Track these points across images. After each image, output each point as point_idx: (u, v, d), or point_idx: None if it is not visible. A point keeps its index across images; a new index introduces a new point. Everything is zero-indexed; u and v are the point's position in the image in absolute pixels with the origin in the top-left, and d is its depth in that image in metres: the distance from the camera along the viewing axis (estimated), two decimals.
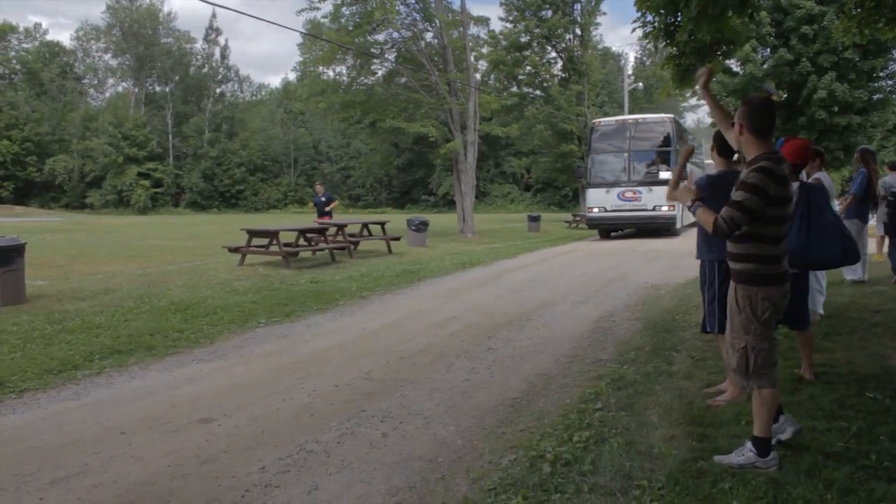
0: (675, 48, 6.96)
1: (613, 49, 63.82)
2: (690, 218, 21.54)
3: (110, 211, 56.99)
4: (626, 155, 20.17)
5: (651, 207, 19.53)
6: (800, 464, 3.17)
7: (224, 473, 3.48)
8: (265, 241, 13.15)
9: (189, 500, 3.19)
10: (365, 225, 16.28)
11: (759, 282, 3.15)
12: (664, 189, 17.13)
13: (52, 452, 3.83)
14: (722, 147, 4.27)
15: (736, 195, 3.07)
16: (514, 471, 3.33)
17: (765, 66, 27.25)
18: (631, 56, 72.85)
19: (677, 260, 13.11)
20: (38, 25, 75.67)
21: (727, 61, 27.82)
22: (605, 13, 77.53)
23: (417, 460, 3.58)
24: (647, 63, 62.77)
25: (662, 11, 6.78)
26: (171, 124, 63.37)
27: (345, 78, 23.72)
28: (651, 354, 5.59)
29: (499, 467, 3.41)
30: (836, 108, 26.62)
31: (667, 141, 19.83)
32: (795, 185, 4.37)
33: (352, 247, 14.74)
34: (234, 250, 13.28)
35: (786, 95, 27.36)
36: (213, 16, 69.36)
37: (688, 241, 17.73)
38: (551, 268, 12.62)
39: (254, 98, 75.82)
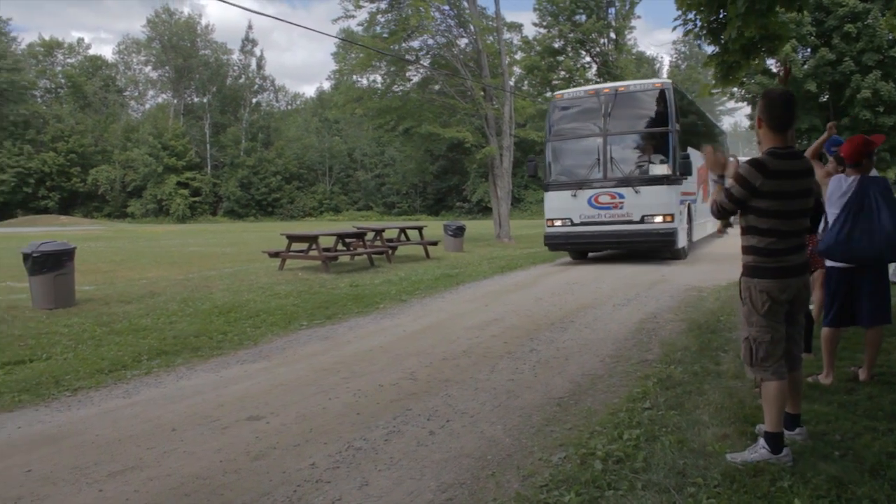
0: (718, 46, 6.88)
1: (648, 53, 63.18)
2: (702, 232, 18.21)
3: (150, 220, 58.29)
4: (600, 141, 13.47)
5: (638, 218, 13.05)
6: (862, 463, 3.08)
7: (275, 469, 3.52)
8: (304, 246, 13.29)
9: (242, 494, 3.22)
10: (403, 230, 16.35)
11: (757, 274, 3.25)
12: (658, 189, 12.92)
13: (108, 447, 3.91)
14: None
15: (727, 183, 3.26)
16: (565, 468, 3.30)
17: (805, 67, 26.74)
18: (666, 60, 72.05)
19: (718, 263, 12.87)
20: (80, 40, 78.01)
21: (768, 61, 27.34)
22: (639, 17, 76.92)
23: (466, 457, 3.57)
24: (683, 66, 62.12)
25: (703, 9, 6.70)
26: (209, 134, 64.58)
27: (380, 85, 23.95)
28: (697, 354, 5.50)
29: (549, 464, 3.38)
30: (881, 108, 25.99)
31: (662, 118, 13.13)
32: (850, 179, 4.26)
33: (390, 251, 14.80)
34: (274, 255, 13.45)
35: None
36: (250, 27, 70.97)
37: (724, 246, 17.35)
38: (591, 271, 12.50)
39: (289, 107, 76.85)
